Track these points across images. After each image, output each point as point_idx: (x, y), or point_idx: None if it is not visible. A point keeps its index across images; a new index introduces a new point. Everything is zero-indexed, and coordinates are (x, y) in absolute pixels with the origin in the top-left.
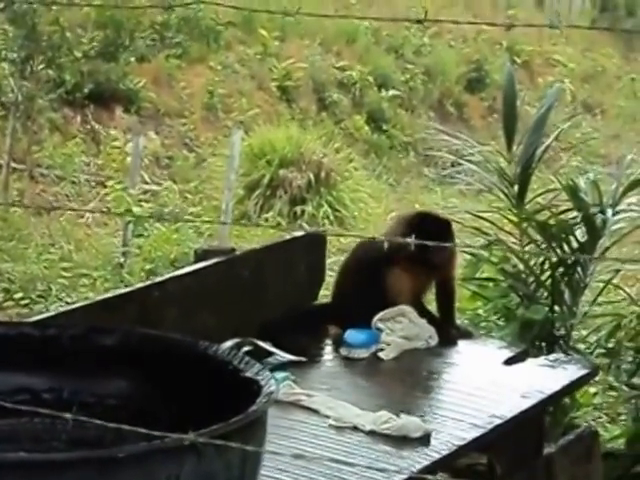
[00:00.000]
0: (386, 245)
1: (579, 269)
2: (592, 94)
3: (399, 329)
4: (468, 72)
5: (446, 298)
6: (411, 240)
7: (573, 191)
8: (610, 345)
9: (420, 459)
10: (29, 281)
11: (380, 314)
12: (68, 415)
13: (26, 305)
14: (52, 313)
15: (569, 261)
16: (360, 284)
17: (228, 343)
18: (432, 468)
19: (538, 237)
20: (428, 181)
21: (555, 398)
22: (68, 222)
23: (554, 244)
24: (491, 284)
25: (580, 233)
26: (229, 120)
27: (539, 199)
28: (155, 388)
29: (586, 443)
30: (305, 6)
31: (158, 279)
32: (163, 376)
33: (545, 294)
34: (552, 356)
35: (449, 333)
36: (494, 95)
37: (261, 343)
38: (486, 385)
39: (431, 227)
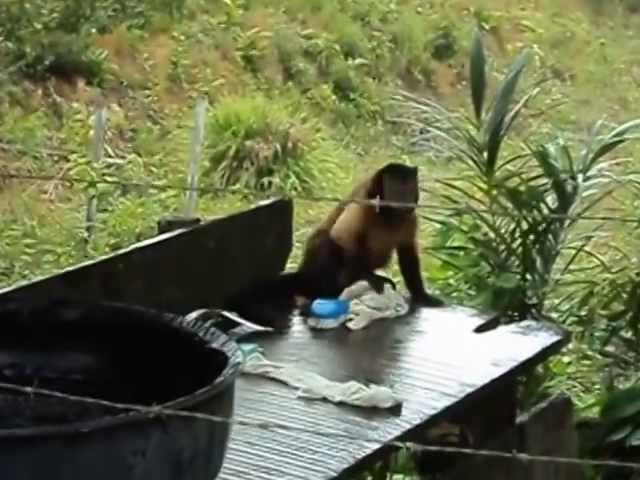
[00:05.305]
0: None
1: (550, 236)
2: (561, 59)
3: (368, 299)
4: (436, 39)
5: (411, 266)
6: (375, 201)
7: (543, 157)
8: (583, 313)
9: (391, 429)
10: None
11: (346, 290)
12: (29, 389)
13: None
14: (12, 288)
15: (540, 228)
16: (329, 254)
17: (193, 314)
18: (403, 438)
19: (508, 204)
20: (397, 150)
21: (527, 365)
22: (30, 197)
23: (524, 211)
24: (462, 253)
25: (551, 200)
26: (193, 91)
27: (509, 166)
28: (120, 361)
29: (559, 411)
30: None
31: (122, 251)
32: (128, 349)
33: (516, 262)
34: (523, 323)
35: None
36: (462, 62)
37: (227, 314)
38: (457, 353)
39: (396, 170)
